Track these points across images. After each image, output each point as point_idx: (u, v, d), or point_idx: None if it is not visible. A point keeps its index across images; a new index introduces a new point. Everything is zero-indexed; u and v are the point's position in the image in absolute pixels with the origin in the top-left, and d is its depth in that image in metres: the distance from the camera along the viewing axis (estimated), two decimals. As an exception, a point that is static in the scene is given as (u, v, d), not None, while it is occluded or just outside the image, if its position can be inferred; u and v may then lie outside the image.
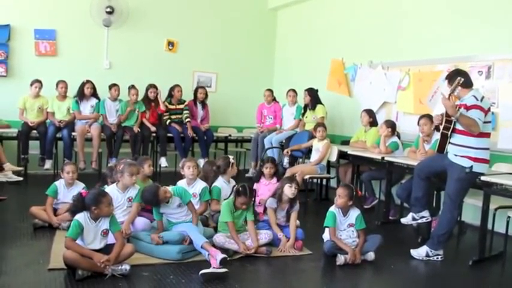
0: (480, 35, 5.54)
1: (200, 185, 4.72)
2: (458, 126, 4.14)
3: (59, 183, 4.83)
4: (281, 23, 9.40)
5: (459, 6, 5.82)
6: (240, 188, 4.24)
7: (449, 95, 4.04)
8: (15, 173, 6.19)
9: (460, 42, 5.76)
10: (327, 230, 4.27)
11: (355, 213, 4.23)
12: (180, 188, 4.32)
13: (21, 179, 6.19)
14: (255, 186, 5.23)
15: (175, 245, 3.93)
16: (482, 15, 5.55)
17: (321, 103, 7.23)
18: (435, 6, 6.13)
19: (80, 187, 4.82)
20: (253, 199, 4.33)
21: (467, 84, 4.14)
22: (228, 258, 3.66)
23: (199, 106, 8.01)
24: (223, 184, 4.89)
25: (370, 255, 4.14)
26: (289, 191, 4.41)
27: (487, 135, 4.17)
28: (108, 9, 7.74)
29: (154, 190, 4.08)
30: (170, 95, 7.73)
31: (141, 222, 4.33)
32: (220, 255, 3.63)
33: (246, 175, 7.51)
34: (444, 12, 6.01)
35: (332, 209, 4.25)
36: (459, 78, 4.06)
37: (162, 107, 7.53)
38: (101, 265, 3.35)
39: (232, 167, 4.95)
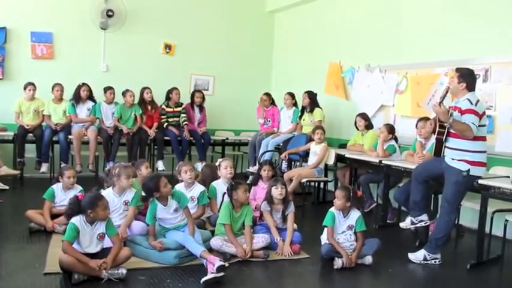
0: (477, 38, 5.54)
1: (198, 188, 4.70)
2: (453, 130, 4.14)
3: (56, 187, 4.81)
4: (279, 26, 9.40)
5: (456, 10, 5.83)
6: (233, 183, 4.27)
7: (440, 103, 4.04)
8: (2, 180, 6.17)
9: (458, 45, 5.76)
10: (325, 231, 4.26)
11: (355, 214, 4.23)
12: (179, 191, 4.25)
13: (7, 187, 6.17)
14: (252, 189, 5.22)
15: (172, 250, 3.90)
16: (479, 18, 5.56)
17: (319, 107, 7.23)
18: (433, 10, 6.14)
19: (77, 190, 4.81)
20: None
21: (470, 87, 4.15)
22: (226, 265, 3.62)
23: (196, 110, 7.99)
24: (221, 184, 4.91)
25: (368, 259, 4.13)
26: (275, 192, 4.41)
27: (483, 138, 4.17)
28: (110, 13, 7.72)
29: (156, 177, 4.02)
30: (168, 98, 7.72)
31: (138, 226, 4.31)
32: (218, 262, 3.58)
33: (248, 182, 7.36)
34: (442, 16, 6.01)
35: (332, 209, 4.25)
36: (448, 86, 4.20)
37: (154, 127, 7.52)
38: (98, 268, 3.33)
39: (220, 169, 4.91)
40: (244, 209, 4.29)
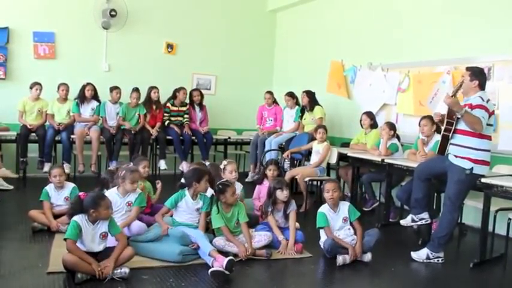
0: (480, 36, 5.53)
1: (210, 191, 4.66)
2: (460, 127, 4.13)
3: (49, 188, 4.81)
4: (280, 25, 9.39)
5: (458, 8, 5.82)
6: (220, 186, 4.23)
7: (453, 96, 4.04)
8: (7, 181, 6.19)
9: (460, 43, 5.75)
10: (321, 234, 4.27)
11: (345, 205, 4.29)
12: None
13: (11, 187, 6.19)
14: (257, 188, 5.22)
15: (175, 243, 3.92)
16: (481, 17, 5.55)
17: (318, 104, 7.23)
18: (434, 8, 6.13)
19: (69, 188, 4.85)
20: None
21: (482, 86, 4.15)
22: (236, 260, 3.65)
23: (197, 108, 8.00)
24: None
25: (367, 256, 4.13)
26: (281, 195, 4.41)
27: (488, 137, 4.16)
28: (112, 13, 7.72)
29: (203, 172, 4.25)
30: (174, 97, 7.72)
31: (137, 226, 4.26)
32: (227, 258, 3.61)
33: (246, 180, 7.41)
34: (443, 14, 6.00)
35: (320, 210, 4.27)
36: (462, 81, 4.17)
37: (157, 127, 7.50)
38: (99, 273, 3.33)
39: (225, 173, 4.83)
40: (235, 207, 4.28)
